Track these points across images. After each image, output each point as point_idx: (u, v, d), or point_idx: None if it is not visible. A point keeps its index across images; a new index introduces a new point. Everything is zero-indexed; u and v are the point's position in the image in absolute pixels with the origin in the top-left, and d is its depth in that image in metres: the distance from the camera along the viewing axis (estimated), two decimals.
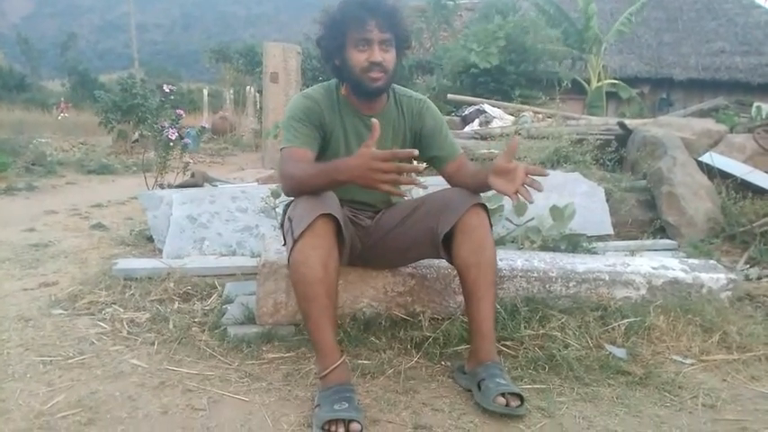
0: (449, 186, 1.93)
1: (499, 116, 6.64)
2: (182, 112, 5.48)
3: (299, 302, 1.64)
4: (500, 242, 2.97)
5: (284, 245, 1.95)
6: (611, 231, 3.44)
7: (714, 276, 2.30)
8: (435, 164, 2.00)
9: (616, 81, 10.55)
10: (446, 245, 1.77)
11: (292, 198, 2.07)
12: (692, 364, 1.94)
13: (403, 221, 1.88)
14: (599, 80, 10.17)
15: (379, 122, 1.95)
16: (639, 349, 1.98)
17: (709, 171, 3.91)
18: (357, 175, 1.52)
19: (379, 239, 1.91)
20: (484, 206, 1.76)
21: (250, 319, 2.13)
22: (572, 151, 4.34)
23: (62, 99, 19.33)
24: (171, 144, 5.03)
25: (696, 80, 13.14)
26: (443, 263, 1.92)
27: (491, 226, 1.78)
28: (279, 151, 1.88)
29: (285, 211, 2.07)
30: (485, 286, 1.71)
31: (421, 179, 1.64)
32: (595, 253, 2.89)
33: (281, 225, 2.15)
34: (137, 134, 10.10)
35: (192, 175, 5.05)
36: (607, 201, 3.60)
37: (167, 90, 5.44)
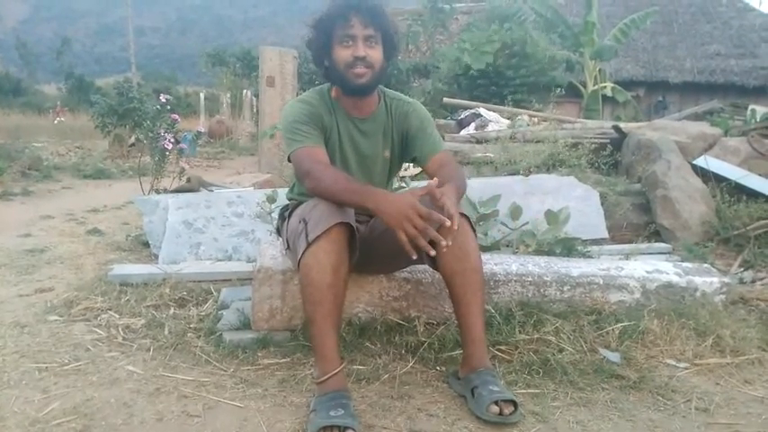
0: None
1: (495, 120, 6.65)
2: (177, 117, 5.48)
3: (305, 305, 1.65)
4: (495, 246, 2.98)
5: (287, 248, 1.95)
6: (605, 235, 3.45)
7: (708, 280, 2.30)
8: (419, 162, 2.02)
9: (612, 85, 10.57)
10: None
11: (288, 202, 2.08)
12: (686, 368, 1.95)
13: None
14: (595, 84, 10.19)
15: (370, 125, 1.97)
16: (633, 353, 1.99)
17: (704, 174, 3.92)
18: (388, 212, 1.55)
19: (370, 246, 1.92)
20: (463, 214, 1.74)
21: (246, 325, 2.13)
22: (567, 155, 4.35)
23: (58, 103, 19.35)
24: (167, 153, 5.04)
25: (691, 83, 13.17)
26: None
27: (474, 232, 1.78)
28: (277, 154, 1.89)
29: (282, 216, 2.07)
30: (471, 292, 1.72)
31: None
32: (590, 257, 2.90)
33: (278, 230, 2.15)
34: (133, 138, 10.10)
35: (188, 180, 5.04)
36: (602, 204, 3.62)
37: (164, 100, 5.43)
